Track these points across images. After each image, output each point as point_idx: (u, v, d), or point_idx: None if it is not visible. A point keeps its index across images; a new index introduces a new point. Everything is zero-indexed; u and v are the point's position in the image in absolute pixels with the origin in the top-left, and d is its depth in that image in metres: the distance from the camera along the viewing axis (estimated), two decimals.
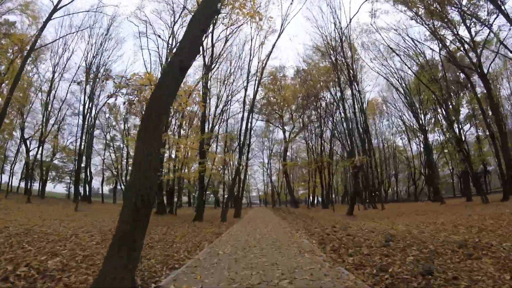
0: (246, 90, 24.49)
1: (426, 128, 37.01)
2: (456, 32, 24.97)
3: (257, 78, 23.02)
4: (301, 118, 43.67)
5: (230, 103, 29.51)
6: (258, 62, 24.22)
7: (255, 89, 22.71)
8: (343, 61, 27.21)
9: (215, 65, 22.92)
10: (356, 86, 26.32)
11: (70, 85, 36.68)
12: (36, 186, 43.57)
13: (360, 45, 32.33)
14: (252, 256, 7.30)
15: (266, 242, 9.46)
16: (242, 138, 21.68)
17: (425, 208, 25.27)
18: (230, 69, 29.76)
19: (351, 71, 26.25)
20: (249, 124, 22.59)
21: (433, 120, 41.23)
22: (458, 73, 35.50)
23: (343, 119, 35.99)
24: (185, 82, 27.17)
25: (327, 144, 43.24)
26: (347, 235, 10.21)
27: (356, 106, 25.14)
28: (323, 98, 38.33)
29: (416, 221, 14.85)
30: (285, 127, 46.64)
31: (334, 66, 27.17)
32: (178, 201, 48.03)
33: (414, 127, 43.94)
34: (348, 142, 27.43)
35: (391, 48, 28.79)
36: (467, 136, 39.41)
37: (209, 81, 31.58)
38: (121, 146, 45.06)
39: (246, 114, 22.53)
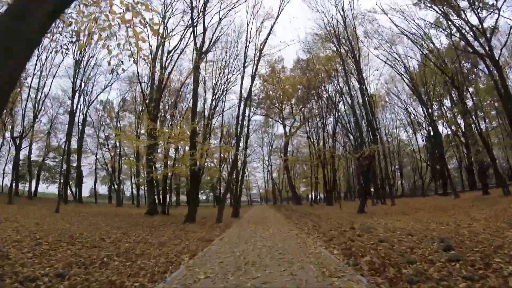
0: (242, 77, 21.65)
1: (435, 118, 34.10)
2: (465, 18, 22.37)
3: (255, 61, 20.16)
4: (302, 111, 40.71)
5: (226, 93, 26.59)
6: (255, 50, 21.25)
7: (253, 71, 19.89)
8: (348, 44, 24.31)
9: (207, 48, 19.97)
10: (361, 71, 23.30)
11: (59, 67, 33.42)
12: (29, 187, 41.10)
13: (363, 33, 29.39)
14: (249, 285, 4.39)
15: (271, 255, 6.55)
16: (239, 127, 18.70)
17: (441, 203, 22.47)
18: (226, 59, 26.94)
19: (356, 54, 23.21)
20: (246, 111, 19.90)
21: (436, 112, 38.56)
22: (463, 63, 32.75)
23: (347, 111, 33.28)
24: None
25: (330, 137, 40.23)
26: (379, 241, 7.31)
27: (364, 93, 22.12)
28: (325, 90, 35.34)
29: (447, 218, 12.07)
30: (285, 121, 43.72)
31: (337, 50, 24.32)
32: (176, 200, 45.29)
33: (420, 118, 41.23)
34: (351, 131, 24.60)
35: (399, 29, 25.79)
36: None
37: (202, 70, 28.99)
38: (116, 144, 41.94)
39: (243, 101, 19.62)
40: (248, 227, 13.04)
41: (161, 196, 25.43)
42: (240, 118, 18.62)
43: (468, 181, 39.30)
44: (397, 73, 32.57)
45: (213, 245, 8.37)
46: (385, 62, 30.49)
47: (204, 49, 19.55)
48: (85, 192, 61.52)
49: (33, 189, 38.16)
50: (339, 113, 35.03)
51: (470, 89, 36.16)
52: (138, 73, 23.43)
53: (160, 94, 23.06)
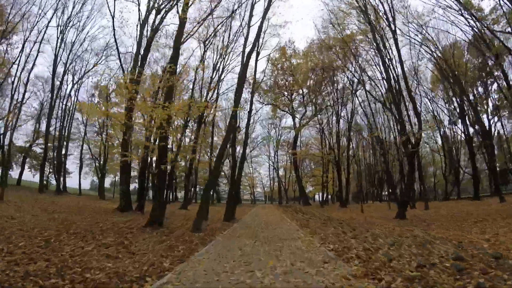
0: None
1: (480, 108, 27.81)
2: None
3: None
4: (314, 101, 34.35)
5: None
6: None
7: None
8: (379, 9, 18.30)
9: None
10: (397, 38, 17.11)
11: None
12: (14, 174, 36.03)
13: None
14: None
15: None
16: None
17: (496, 208, 16.26)
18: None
19: (390, 19, 17.11)
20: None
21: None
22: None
23: (368, 97, 27.13)
24: None
25: (343, 132, 34.10)
26: None
27: (403, 66, 15.95)
28: (343, 72, 29.20)
29: None
30: (295, 112, 37.44)
31: (365, 14, 18.31)
32: (172, 196, 39.28)
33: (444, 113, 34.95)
34: (390, 108, 18.45)
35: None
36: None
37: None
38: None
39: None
40: (241, 245, 6.94)
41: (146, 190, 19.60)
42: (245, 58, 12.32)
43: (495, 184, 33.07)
44: (430, 56, 26.11)
45: None
46: (416, 41, 24.10)
47: None
48: (85, 184, 56.43)
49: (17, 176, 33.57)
50: (356, 103, 29.18)
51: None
52: (115, 37, 17.74)
53: (144, 58, 17.24)
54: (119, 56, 18.12)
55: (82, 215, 12.41)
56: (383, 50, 18.05)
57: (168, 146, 15.30)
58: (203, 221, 9.14)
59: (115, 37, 17.55)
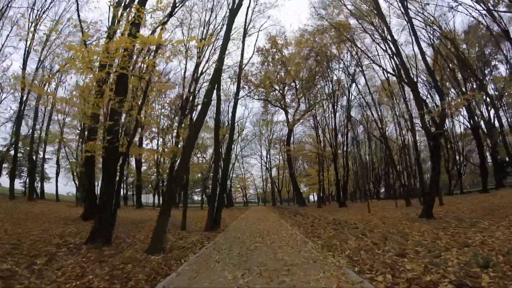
0: None
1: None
2: None
3: None
4: (307, 94, 31.42)
5: None
6: None
7: None
8: None
9: None
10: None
11: None
12: None
13: None
14: None
15: None
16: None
17: None
18: None
19: None
20: None
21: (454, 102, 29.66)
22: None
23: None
24: None
25: (341, 126, 31.22)
26: None
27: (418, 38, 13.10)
28: (340, 61, 26.61)
29: None
30: (287, 108, 34.46)
31: None
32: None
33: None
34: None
35: None
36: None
37: None
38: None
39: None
40: (218, 284, 3.91)
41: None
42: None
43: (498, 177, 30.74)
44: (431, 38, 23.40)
45: None
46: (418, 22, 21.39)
47: None
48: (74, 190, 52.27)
49: None
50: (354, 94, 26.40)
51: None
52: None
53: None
54: (81, 26, 14.73)
55: (26, 225, 9.26)
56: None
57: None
58: (164, 236, 6.03)
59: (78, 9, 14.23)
